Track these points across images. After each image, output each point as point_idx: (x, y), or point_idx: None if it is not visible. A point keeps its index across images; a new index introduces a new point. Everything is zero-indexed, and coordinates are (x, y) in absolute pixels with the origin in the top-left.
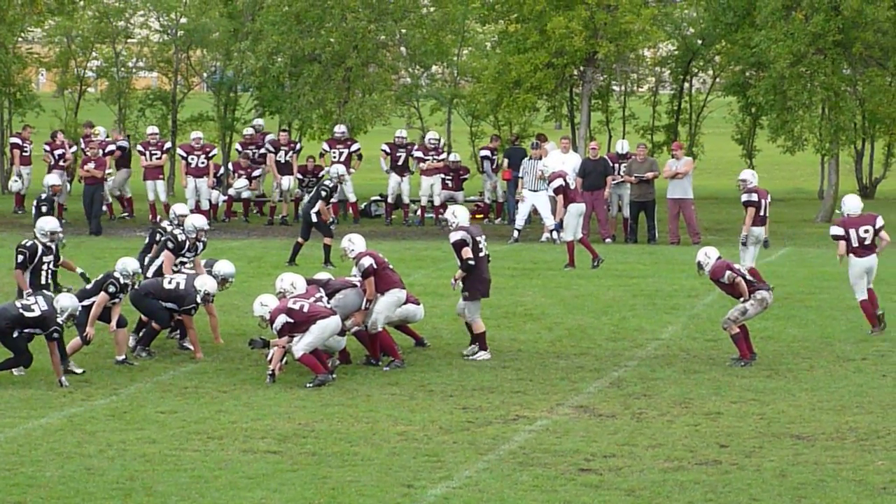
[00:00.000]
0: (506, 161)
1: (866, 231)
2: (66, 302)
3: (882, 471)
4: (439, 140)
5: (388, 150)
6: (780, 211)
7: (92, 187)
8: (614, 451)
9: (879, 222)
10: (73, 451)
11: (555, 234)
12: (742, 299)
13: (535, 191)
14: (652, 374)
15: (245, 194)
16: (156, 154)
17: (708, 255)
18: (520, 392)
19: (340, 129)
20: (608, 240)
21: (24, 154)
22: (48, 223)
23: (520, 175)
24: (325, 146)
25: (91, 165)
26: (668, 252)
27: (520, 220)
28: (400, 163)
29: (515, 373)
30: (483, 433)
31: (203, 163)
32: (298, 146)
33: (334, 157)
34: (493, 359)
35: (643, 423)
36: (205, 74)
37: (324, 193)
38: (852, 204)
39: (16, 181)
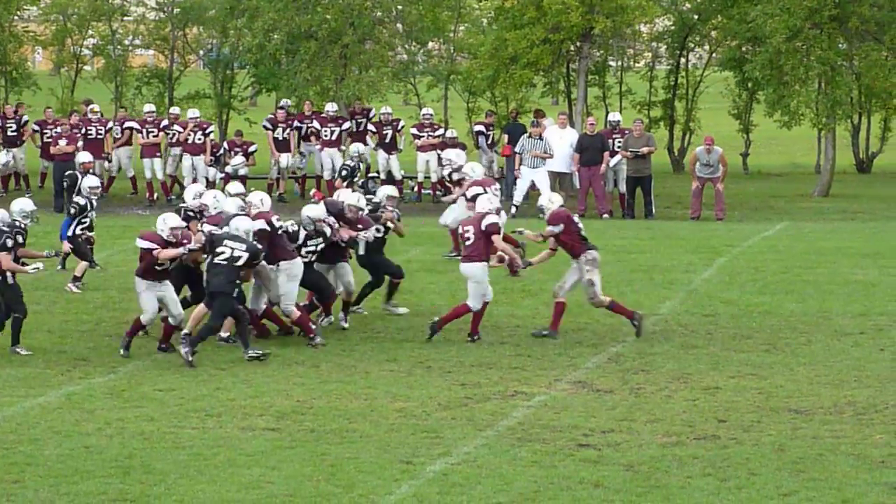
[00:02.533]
0: (505, 137)
1: None
2: None
3: (880, 444)
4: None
5: (373, 128)
6: (778, 186)
7: (63, 164)
8: (612, 426)
9: None
10: (71, 429)
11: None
12: (574, 262)
13: (533, 168)
14: (650, 350)
15: (242, 171)
16: (153, 132)
17: (552, 200)
18: (518, 368)
19: (332, 106)
20: (606, 215)
21: (8, 133)
22: (26, 203)
23: (517, 151)
24: (316, 124)
25: (63, 142)
26: (665, 227)
27: (518, 195)
28: (387, 140)
29: (514, 349)
30: (481, 409)
31: (200, 140)
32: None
33: (325, 136)
34: (491, 335)
35: (641, 398)
36: (201, 52)
37: (344, 173)
38: None
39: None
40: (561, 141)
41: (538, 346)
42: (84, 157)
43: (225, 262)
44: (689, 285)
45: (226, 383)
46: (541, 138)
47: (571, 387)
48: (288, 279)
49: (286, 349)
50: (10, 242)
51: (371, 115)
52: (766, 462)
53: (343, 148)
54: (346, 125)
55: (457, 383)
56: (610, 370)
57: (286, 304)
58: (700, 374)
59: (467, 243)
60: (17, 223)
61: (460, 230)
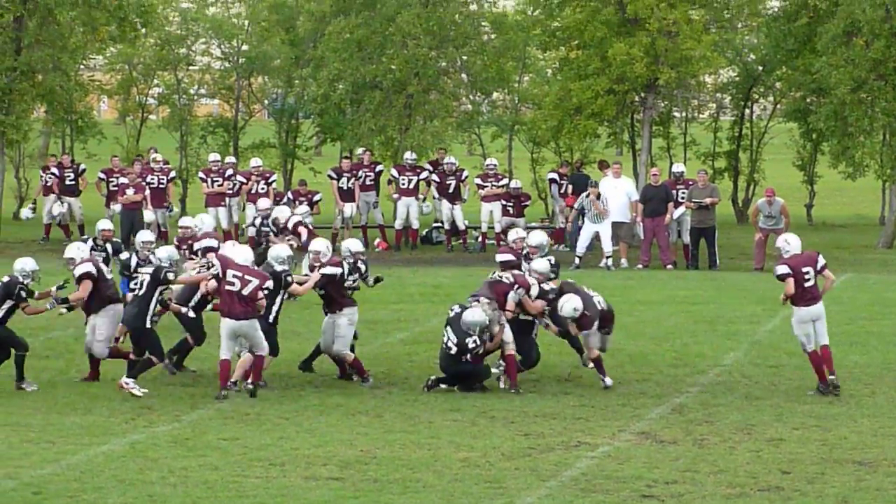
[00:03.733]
0: (570, 187)
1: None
2: None
3: None
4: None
5: (437, 178)
6: (842, 237)
7: (132, 213)
8: (676, 477)
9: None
10: (135, 477)
11: (610, 262)
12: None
13: (596, 222)
14: (714, 401)
15: (307, 220)
16: (217, 181)
17: (788, 241)
18: (581, 418)
19: (411, 155)
20: (669, 266)
21: (67, 182)
22: (28, 262)
23: (576, 208)
24: (394, 172)
25: (131, 192)
26: (730, 278)
27: (581, 247)
28: (451, 190)
29: (577, 399)
30: (545, 459)
31: (263, 189)
32: (379, 168)
33: (403, 184)
34: (554, 385)
35: (705, 449)
36: (266, 101)
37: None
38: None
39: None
40: (615, 191)
41: (601, 396)
42: (104, 224)
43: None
44: (753, 336)
45: (289, 433)
46: (598, 197)
47: (635, 437)
48: (349, 323)
49: (350, 399)
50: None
51: (454, 168)
52: None
53: (421, 196)
54: (424, 174)
55: (520, 433)
56: (673, 421)
57: (340, 347)
58: (764, 426)
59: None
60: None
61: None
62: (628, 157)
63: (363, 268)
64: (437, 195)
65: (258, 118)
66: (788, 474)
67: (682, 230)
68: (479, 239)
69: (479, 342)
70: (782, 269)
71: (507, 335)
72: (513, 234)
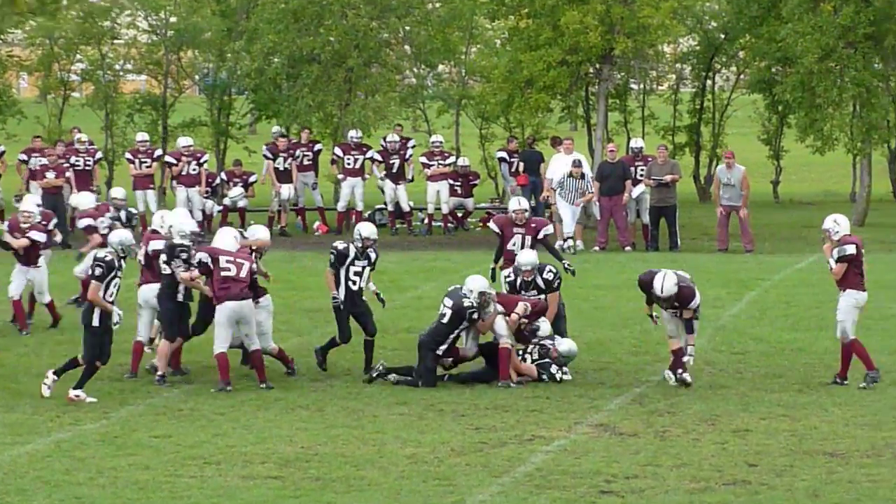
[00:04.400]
0: (521, 165)
1: None
2: None
3: None
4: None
5: (379, 157)
6: (810, 215)
7: (53, 197)
8: (637, 471)
9: None
10: (61, 478)
11: (569, 243)
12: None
13: (572, 203)
14: (676, 390)
15: (241, 203)
16: (146, 162)
17: (837, 221)
18: (536, 410)
19: (356, 133)
20: (628, 248)
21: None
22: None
23: (554, 188)
24: (338, 152)
25: (51, 175)
26: (692, 260)
27: (568, 228)
28: (395, 170)
29: (531, 390)
30: (497, 454)
31: (194, 170)
32: (318, 147)
33: (348, 164)
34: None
35: (667, 441)
36: (197, 77)
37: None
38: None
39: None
40: (568, 167)
41: (557, 387)
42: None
43: None
44: (717, 321)
45: (225, 429)
46: (582, 177)
47: (593, 430)
48: (269, 315)
49: (290, 393)
50: None
51: (410, 147)
52: None
53: (367, 177)
54: (370, 153)
55: (471, 427)
56: (633, 412)
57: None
58: (729, 416)
59: None
60: None
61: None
62: (583, 133)
63: (373, 255)
64: (378, 174)
65: (188, 95)
66: (755, 467)
67: (640, 209)
68: (426, 221)
69: (474, 304)
70: (850, 248)
71: (502, 327)
72: (513, 204)
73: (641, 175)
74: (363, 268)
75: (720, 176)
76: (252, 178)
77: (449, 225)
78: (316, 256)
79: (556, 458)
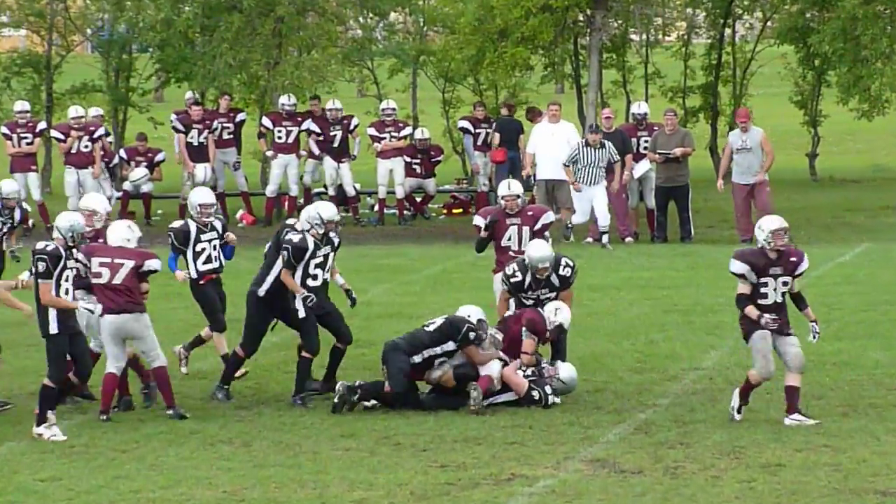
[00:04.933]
0: (496, 137)
1: None
2: None
3: None
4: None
5: (318, 129)
6: (855, 196)
7: None
8: None
9: None
10: None
11: (605, 238)
12: None
13: (594, 183)
14: (690, 416)
15: (145, 188)
16: (26, 138)
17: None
18: (516, 443)
19: (289, 100)
20: (629, 238)
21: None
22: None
23: (567, 164)
24: (267, 122)
25: None
26: (708, 253)
27: (580, 217)
28: (336, 144)
29: (510, 418)
30: (468, 498)
31: (86, 147)
32: (241, 117)
33: (280, 137)
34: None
35: (680, 480)
36: (89, 31)
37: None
38: None
39: None
40: (553, 139)
41: (542, 414)
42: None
43: None
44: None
45: (128, 470)
46: (602, 146)
47: (587, 467)
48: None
49: (208, 424)
50: None
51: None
52: None
53: (303, 153)
54: (306, 124)
55: (435, 465)
56: (637, 444)
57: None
58: (757, 448)
59: None
60: None
61: None
62: (572, 96)
63: (336, 241)
64: (316, 151)
65: (78, 53)
66: None
67: (644, 191)
68: (376, 208)
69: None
70: None
71: (495, 371)
72: (503, 189)
73: (645, 148)
74: (326, 255)
75: (732, 142)
76: (159, 157)
77: (405, 212)
78: (240, 253)
79: (541, 501)
